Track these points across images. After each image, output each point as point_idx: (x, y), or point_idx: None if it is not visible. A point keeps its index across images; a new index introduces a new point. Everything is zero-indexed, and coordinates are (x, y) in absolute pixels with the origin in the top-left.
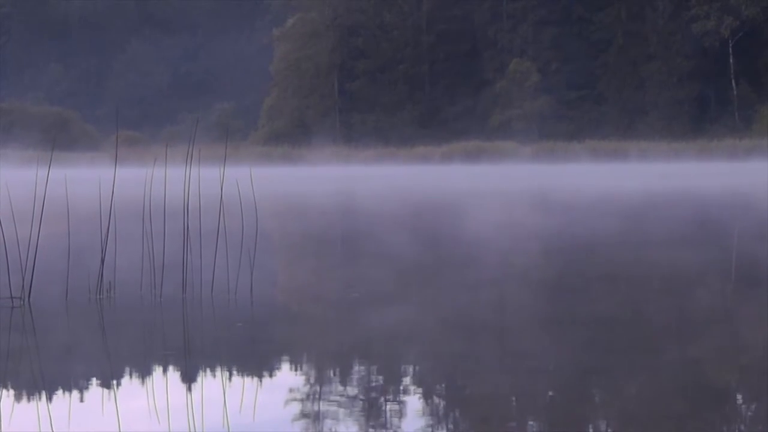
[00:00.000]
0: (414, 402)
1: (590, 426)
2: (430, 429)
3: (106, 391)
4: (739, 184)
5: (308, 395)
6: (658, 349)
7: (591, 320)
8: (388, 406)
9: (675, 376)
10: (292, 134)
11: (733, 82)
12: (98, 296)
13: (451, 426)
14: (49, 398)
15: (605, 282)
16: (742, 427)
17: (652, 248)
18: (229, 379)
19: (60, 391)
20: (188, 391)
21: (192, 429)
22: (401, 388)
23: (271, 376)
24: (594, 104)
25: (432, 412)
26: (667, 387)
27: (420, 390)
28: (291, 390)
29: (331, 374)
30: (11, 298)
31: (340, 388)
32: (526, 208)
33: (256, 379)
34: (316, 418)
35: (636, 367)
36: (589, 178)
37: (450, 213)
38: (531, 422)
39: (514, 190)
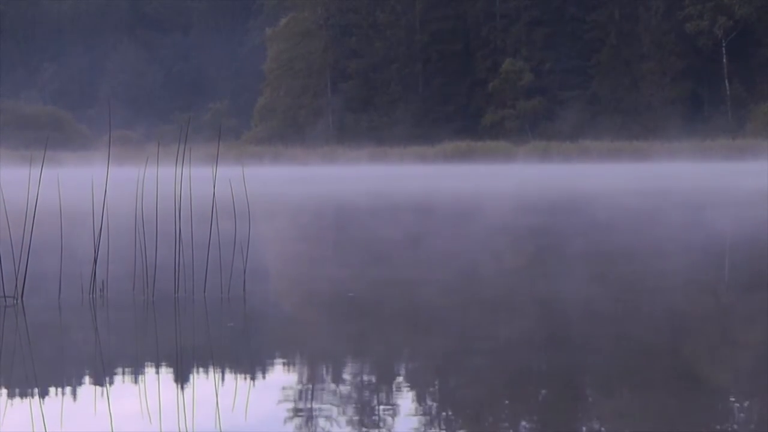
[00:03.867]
0: (408, 402)
1: None
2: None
3: (98, 390)
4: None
5: (300, 395)
6: None
7: None
8: (380, 406)
9: None
10: (285, 134)
11: (726, 81)
12: (91, 296)
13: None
14: (42, 398)
15: None
16: None
17: None
18: (221, 379)
19: (52, 391)
20: (180, 391)
21: (184, 429)
22: (393, 387)
23: (263, 376)
24: (587, 104)
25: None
26: None
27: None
28: (283, 390)
29: (324, 374)
30: (4, 297)
31: (333, 387)
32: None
33: (248, 379)
34: (308, 417)
35: None
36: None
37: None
38: None
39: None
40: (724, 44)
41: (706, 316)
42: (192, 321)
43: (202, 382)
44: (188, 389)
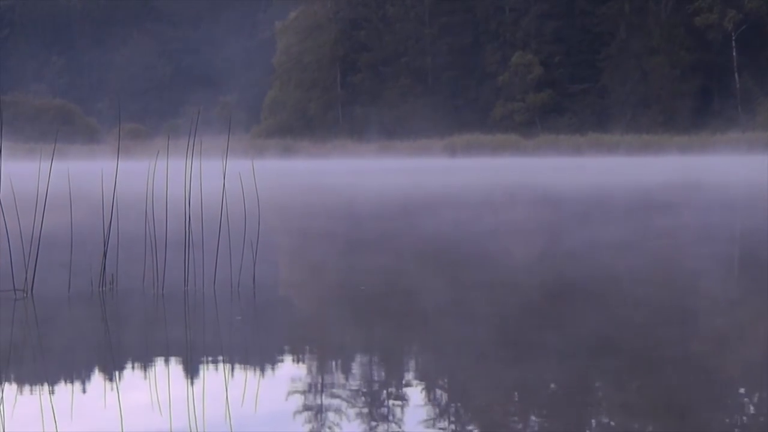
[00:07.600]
0: (416, 396)
1: None
2: (434, 422)
3: (108, 383)
4: None
5: (310, 389)
6: None
7: None
8: (390, 400)
9: None
10: (295, 127)
11: (736, 75)
12: (101, 289)
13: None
14: (52, 390)
15: None
16: None
17: None
18: (231, 372)
19: (62, 384)
20: (190, 384)
21: (193, 422)
22: (404, 381)
23: (272, 369)
24: (596, 97)
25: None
26: None
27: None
28: (292, 383)
29: (333, 368)
30: (14, 290)
31: (343, 381)
32: None
33: (258, 372)
34: (317, 411)
35: None
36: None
37: None
38: None
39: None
40: (733, 37)
41: None
42: (201, 314)
43: (212, 375)
44: (198, 382)
